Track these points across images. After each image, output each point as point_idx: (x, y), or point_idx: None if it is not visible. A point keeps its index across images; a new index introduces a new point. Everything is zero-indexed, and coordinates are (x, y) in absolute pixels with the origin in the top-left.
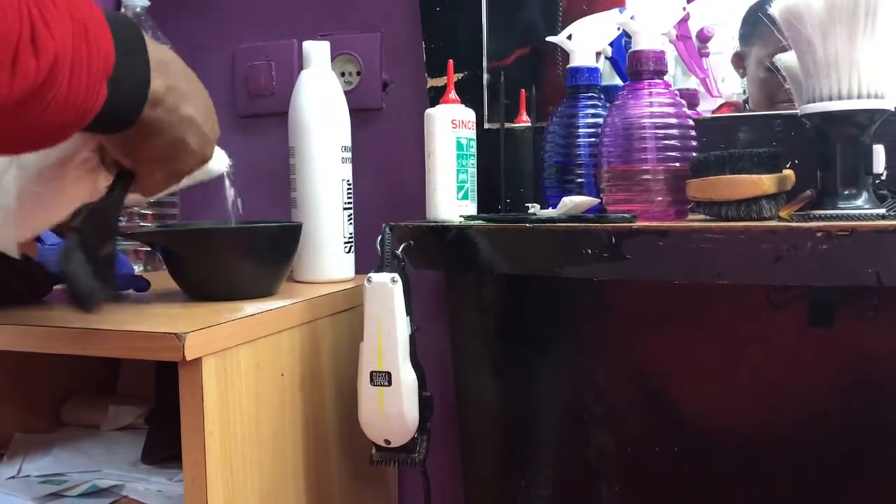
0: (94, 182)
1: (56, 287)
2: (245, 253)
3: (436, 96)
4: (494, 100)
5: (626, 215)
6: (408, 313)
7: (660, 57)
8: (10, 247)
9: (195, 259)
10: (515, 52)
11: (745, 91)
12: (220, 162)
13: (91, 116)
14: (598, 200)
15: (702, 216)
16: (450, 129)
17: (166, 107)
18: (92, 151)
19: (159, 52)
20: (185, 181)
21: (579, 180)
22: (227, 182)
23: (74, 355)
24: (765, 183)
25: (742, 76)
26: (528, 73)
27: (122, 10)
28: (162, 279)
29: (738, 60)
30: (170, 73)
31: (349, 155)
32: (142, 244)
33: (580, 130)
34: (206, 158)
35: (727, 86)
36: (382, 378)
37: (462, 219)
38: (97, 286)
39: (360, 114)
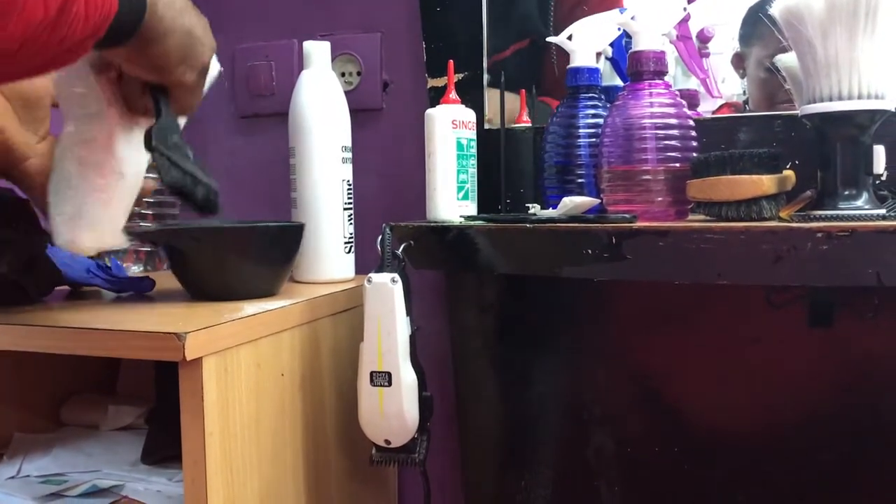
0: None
1: (57, 288)
2: (248, 252)
3: (436, 96)
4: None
5: (627, 215)
6: (408, 313)
7: (660, 57)
8: (116, 237)
9: (198, 258)
10: (512, 47)
11: (744, 92)
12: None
13: (107, 25)
14: (599, 201)
15: (702, 216)
16: (450, 129)
17: (164, 3)
18: (123, 109)
19: None
20: None
21: (579, 181)
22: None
23: (74, 355)
24: (765, 183)
25: (742, 77)
26: (525, 66)
27: None
28: (162, 279)
29: (738, 61)
30: None
31: (349, 155)
32: (141, 244)
33: (580, 131)
34: (214, 45)
35: (727, 87)
36: (382, 378)
37: (462, 219)
38: (207, 188)
39: (361, 114)
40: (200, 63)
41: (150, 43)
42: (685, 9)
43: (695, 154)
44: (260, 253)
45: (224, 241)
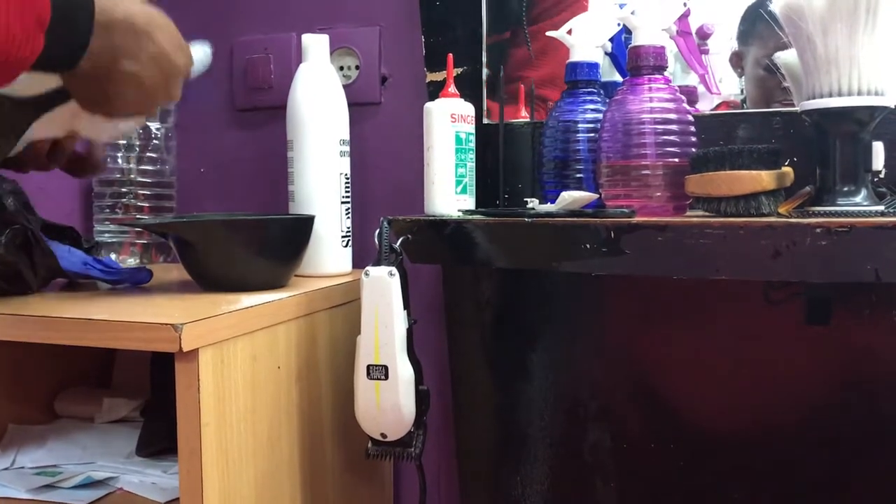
0: None
1: (54, 280)
2: (261, 244)
3: (435, 90)
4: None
5: (625, 210)
6: (405, 307)
7: (660, 52)
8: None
9: (210, 250)
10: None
11: (742, 91)
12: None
13: (28, 64)
14: (597, 195)
15: (700, 212)
16: (449, 122)
17: (101, 62)
18: None
19: (111, 13)
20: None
21: (578, 175)
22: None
23: (70, 347)
24: (764, 179)
25: (740, 76)
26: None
27: None
28: (158, 271)
29: (737, 60)
30: (115, 34)
31: (347, 149)
32: (137, 237)
33: (579, 125)
34: (147, 110)
35: (725, 87)
36: (379, 371)
37: (460, 213)
38: None
39: (359, 108)
40: (113, 114)
41: (75, 82)
42: (685, 4)
43: (694, 149)
44: (273, 245)
45: (238, 233)
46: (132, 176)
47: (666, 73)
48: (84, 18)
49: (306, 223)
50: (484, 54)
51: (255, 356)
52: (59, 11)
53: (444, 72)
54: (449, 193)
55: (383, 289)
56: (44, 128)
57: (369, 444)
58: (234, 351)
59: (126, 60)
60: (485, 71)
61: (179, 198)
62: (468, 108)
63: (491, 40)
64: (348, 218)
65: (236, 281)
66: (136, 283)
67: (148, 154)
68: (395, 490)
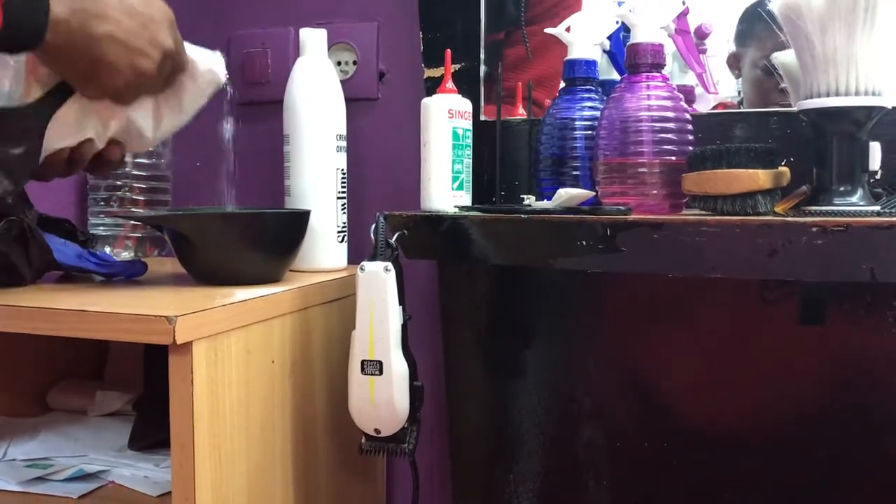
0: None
1: (49, 272)
2: (256, 238)
3: (432, 86)
4: (491, 90)
5: (622, 208)
6: (400, 303)
7: (658, 50)
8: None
9: (205, 243)
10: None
11: (739, 93)
12: (212, 74)
13: None
14: (594, 193)
15: (697, 210)
16: (446, 118)
17: (71, 28)
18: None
19: None
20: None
21: (574, 173)
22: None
23: (63, 339)
24: (761, 178)
25: (737, 77)
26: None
27: None
28: (153, 265)
29: (734, 61)
30: None
31: (344, 144)
32: (132, 230)
33: (576, 123)
34: (141, 71)
35: (722, 89)
36: (373, 367)
37: (457, 209)
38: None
39: (356, 103)
40: (111, 86)
41: (53, 58)
42: (684, 2)
43: (691, 148)
44: (268, 239)
45: (233, 227)
46: (127, 169)
47: (664, 72)
48: None
49: (302, 218)
50: (482, 51)
51: (249, 350)
52: None
53: (442, 68)
54: (445, 189)
55: (378, 284)
56: (58, 136)
57: (362, 440)
58: (228, 344)
59: (95, 21)
60: (483, 68)
61: (174, 191)
62: (465, 105)
63: (487, 40)
64: (344, 213)
65: (231, 275)
66: (130, 275)
67: None
68: (387, 486)
